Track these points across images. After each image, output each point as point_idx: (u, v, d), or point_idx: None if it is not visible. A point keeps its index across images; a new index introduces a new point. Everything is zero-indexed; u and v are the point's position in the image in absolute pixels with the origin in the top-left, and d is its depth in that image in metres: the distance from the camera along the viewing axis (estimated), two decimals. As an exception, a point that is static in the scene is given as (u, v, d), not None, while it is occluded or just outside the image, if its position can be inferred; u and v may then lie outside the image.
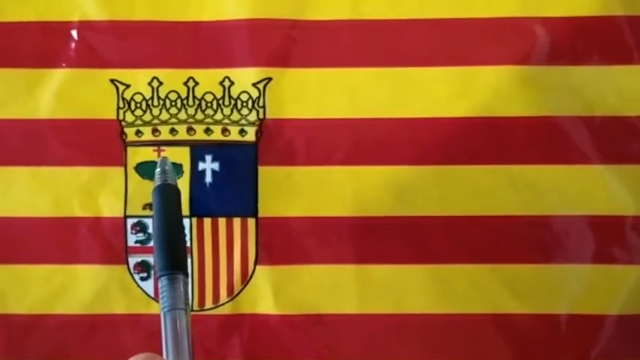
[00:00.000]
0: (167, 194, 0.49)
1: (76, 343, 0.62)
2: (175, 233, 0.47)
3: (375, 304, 0.62)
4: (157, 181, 0.49)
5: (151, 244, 0.62)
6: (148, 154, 0.62)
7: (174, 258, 0.45)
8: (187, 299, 0.44)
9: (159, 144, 0.62)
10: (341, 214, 0.62)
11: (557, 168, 0.61)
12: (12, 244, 0.62)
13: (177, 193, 0.49)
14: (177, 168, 0.62)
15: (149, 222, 0.62)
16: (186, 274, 0.45)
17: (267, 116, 0.62)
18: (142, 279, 0.62)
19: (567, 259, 0.61)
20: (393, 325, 0.61)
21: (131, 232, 0.62)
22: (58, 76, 0.62)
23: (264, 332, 0.62)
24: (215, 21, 0.62)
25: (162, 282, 0.44)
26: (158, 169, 0.50)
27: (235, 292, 0.62)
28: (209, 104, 0.62)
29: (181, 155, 0.62)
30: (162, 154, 0.62)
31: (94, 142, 0.62)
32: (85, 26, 0.62)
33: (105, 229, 0.62)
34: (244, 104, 0.62)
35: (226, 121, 0.62)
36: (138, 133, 0.62)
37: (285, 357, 0.62)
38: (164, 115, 0.62)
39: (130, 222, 0.62)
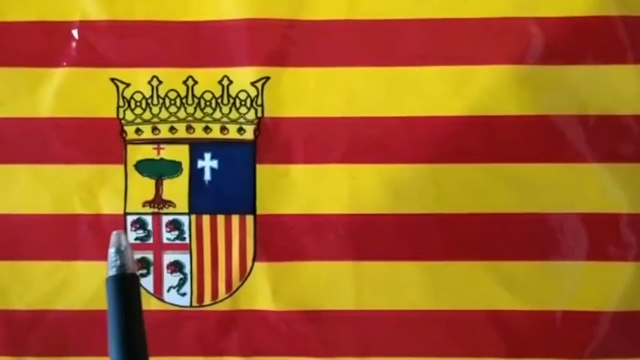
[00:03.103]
0: (123, 289, 0.41)
1: (77, 339, 0.63)
2: (133, 338, 0.41)
3: (371, 301, 0.62)
4: (111, 267, 0.41)
5: (151, 240, 0.63)
6: (147, 152, 0.63)
7: None
8: None
9: (158, 142, 0.63)
10: (338, 211, 0.62)
11: (552, 166, 0.62)
12: (13, 241, 0.63)
13: (134, 281, 0.42)
14: (177, 166, 0.63)
15: (149, 219, 0.63)
16: None
17: (266, 115, 0.62)
18: (142, 275, 0.62)
19: (562, 256, 0.62)
20: (390, 321, 0.62)
21: (131, 229, 0.63)
22: (58, 75, 0.63)
23: (263, 328, 0.62)
24: (214, 21, 0.63)
25: None
26: (112, 249, 0.41)
27: (234, 288, 0.63)
28: (208, 103, 0.63)
29: (181, 153, 0.63)
30: (162, 152, 0.63)
31: (94, 140, 0.63)
32: (85, 26, 0.63)
33: (105, 225, 0.62)
34: (243, 103, 0.62)
35: (225, 119, 0.63)
36: (138, 131, 0.63)
37: (282, 353, 0.62)
38: (164, 114, 0.63)
39: (129, 219, 0.63)
